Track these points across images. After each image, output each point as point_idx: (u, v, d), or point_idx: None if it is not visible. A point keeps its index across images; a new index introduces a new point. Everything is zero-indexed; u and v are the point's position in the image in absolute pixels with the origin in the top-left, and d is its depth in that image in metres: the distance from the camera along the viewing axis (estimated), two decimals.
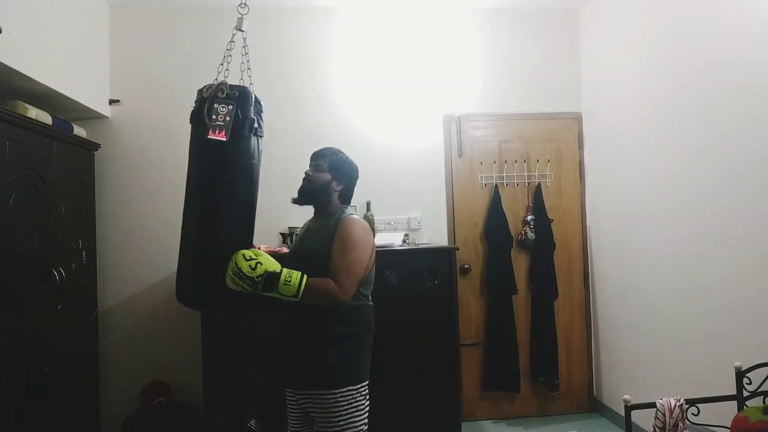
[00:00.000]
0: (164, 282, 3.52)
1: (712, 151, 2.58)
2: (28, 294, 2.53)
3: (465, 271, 3.72)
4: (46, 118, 2.78)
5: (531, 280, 3.75)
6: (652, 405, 2.00)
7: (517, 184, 3.79)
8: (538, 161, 3.79)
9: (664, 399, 1.98)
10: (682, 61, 2.78)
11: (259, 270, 1.72)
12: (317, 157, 2.03)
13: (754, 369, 2.09)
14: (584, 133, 3.87)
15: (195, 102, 1.87)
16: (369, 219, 3.55)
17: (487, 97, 3.82)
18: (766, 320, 2.27)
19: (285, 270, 1.76)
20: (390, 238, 3.36)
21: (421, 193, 3.73)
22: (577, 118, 3.88)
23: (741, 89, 2.39)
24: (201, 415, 3.17)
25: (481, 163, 3.76)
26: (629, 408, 2.03)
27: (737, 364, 2.12)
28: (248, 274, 1.71)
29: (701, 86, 2.64)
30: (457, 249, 3.37)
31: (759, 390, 2.06)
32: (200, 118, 1.79)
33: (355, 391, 1.90)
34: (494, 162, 3.77)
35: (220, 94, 1.80)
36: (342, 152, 2.07)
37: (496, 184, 3.74)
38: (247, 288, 1.73)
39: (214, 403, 2.98)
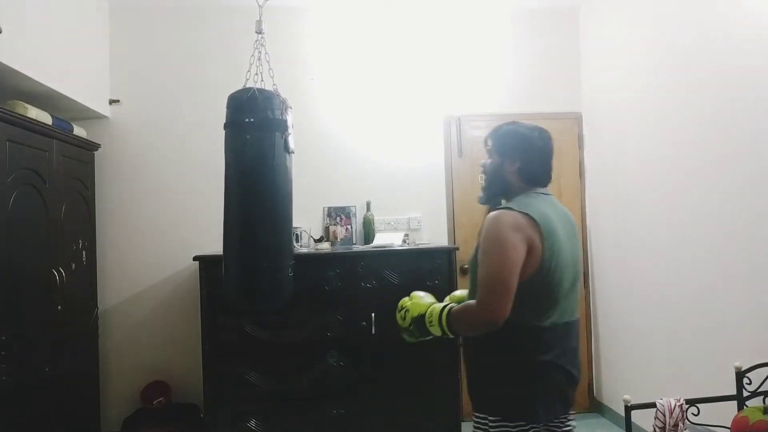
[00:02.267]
0: (164, 282, 3.52)
1: (712, 150, 2.57)
2: (28, 294, 2.53)
3: (465, 271, 3.72)
4: (46, 118, 2.78)
5: None
6: (652, 405, 2.00)
7: None
8: None
9: (664, 399, 1.98)
10: (682, 61, 2.78)
11: (408, 319, 1.66)
12: (487, 141, 1.76)
13: (754, 369, 2.09)
14: (584, 133, 3.87)
15: (245, 110, 1.91)
16: (369, 219, 3.55)
17: (487, 97, 3.82)
18: (766, 320, 2.27)
19: (429, 309, 1.61)
20: (390, 238, 3.37)
21: (421, 193, 3.73)
22: (577, 118, 3.88)
23: (741, 88, 2.39)
24: (201, 415, 3.17)
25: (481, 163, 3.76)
26: (629, 408, 2.03)
27: (737, 364, 2.12)
28: (402, 326, 1.69)
29: (701, 86, 2.64)
30: (457, 249, 3.37)
31: (759, 390, 2.06)
32: (272, 128, 1.85)
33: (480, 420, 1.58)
34: None
35: (288, 105, 1.92)
36: (512, 124, 1.73)
37: None
38: (412, 338, 1.70)
39: (214, 403, 2.98)
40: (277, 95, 1.98)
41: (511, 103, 3.82)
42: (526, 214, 1.52)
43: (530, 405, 1.52)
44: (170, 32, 3.61)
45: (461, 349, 1.69)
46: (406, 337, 1.72)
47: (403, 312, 1.69)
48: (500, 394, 1.56)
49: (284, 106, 1.95)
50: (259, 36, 2.12)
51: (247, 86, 2.03)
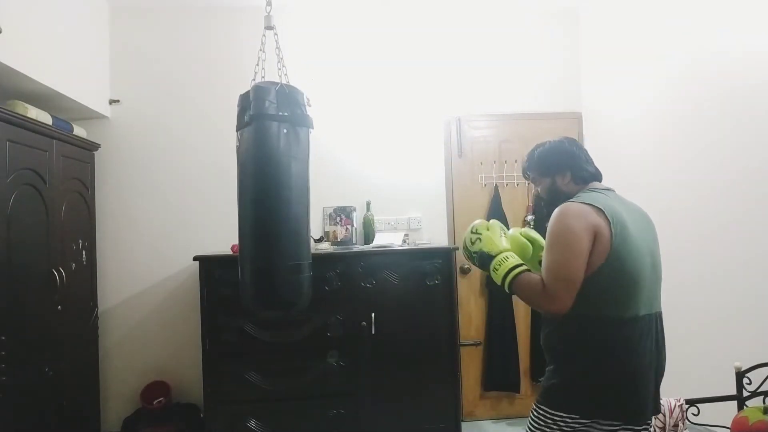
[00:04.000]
0: (164, 282, 3.52)
1: (712, 150, 2.58)
2: (28, 294, 2.53)
3: (465, 271, 3.72)
4: (46, 118, 2.78)
5: None
6: None
7: (517, 184, 3.78)
8: None
9: (664, 399, 1.98)
10: (682, 61, 2.78)
11: (476, 246, 1.62)
12: (525, 174, 1.80)
13: (754, 369, 2.09)
14: (584, 133, 3.87)
15: (285, 103, 1.87)
16: (369, 219, 3.55)
17: (487, 97, 3.82)
18: (766, 320, 2.27)
19: (502, 255, 1.57)
20: (390, 238, 3.37)
21: (421, 193, 3.73)
22: (577, 118, 3.88)
23: (741, 88, 2.39)
24: (201, 415, 3.17)
25: (481, 163, 3.76)
26: None
27: (737, 364, 2.12)
28: (468, 247, 1.65)
29: (701, 85, 2.64)
30: (457, 249, 3.37)
31: (759, 390, 2.06)
32: (300, 123, 1.82)
33: (551, 417, 1.52)
34: (494, 162, 3.77)
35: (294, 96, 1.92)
36: (539, 146, 1.77)
37: (496, 184, 3.74)
38: (469, 260, 1.66)
39: (214, 403, 2.98)
40: (281, 85, 1.96)
41: (511, 103, 3.82)
42: (590, 204, 1.52)
43: (601, 401, 1.48)
44: (170, 32, 3.60)
45: (542, 337, 1.63)
46: (465, 255, 1.68)
47: (475, 237, 1.63)
48: (576, 389, 1.51)
49: (308, 101, 1.93)
50: (268, 32, 2.10)
51: (257, 80, 2.01)
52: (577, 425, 1.49)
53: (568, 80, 3.88)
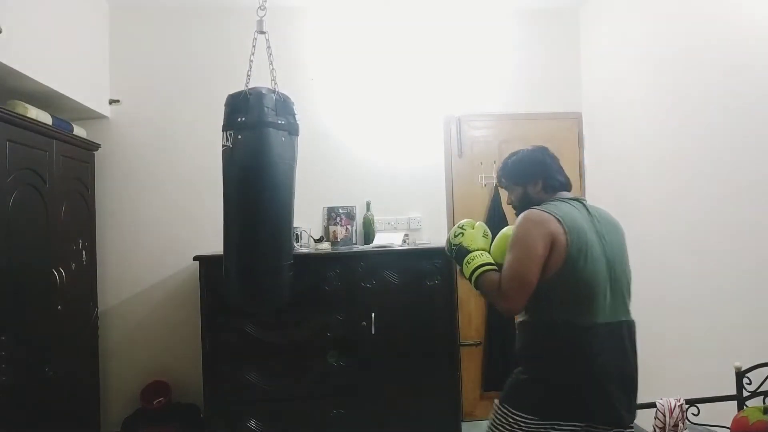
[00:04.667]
0: (164, 282, 3.52)
1: (713, 150, 2.58)
2: (28, 294, 2.53)
3: None
4: (46, 118, 2.78)
5: None
6: (652, 405, 2.00)
7: None
8: None
9: (664, 399, 1.98)
10: (682, 60, 2.78)
11: (458, 240, 1.75)
12: (500, 182, 1.91)
13: (754, 369, 2.09)
14: (584, 133, 3.87)
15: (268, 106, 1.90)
16: (369, 219, 3.55)
17: (487, 97, 3.82)
18: (766, 320, 2.27)
19: (477, 252, 1.70)
20: (390, 238, 3.36)
21: (421, 193, 3.73)
22: (577, 118, 3.88)
23: (742, 88, 2.39)
24: (201, 415, 3.17)
25: (481, 163, 3.76)
26: None
27: (737, 364, 2.12)
28: (450, 240, 1.78)
29: (701, 85, 2.64)
30: None
31: (759, 390, 2.06)
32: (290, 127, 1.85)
33: (512, 417, 1.58)
34: (494, 162, 3.77)
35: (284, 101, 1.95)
36: (513, 154, 1.85)
37: (496, 184, 3.74)
38: (448, 253, 1.79)
39: (214, 403, 2.98)
40: (272, 90, 1.97)
41: (511, 103, 3.82)
42: (550, 213, 1.60)
43: (560, 402, 1.55)
44: (170, 32, 3.61)
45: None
46: (447, 248, 1.82)
47: (459, 232, 1.77)
48: (536, 391, 1.58)
49: (280, 100, 1.95)
50: (258, 35, 2.11)
51: (247, 85, 2.02)
52: (536, 426, 1.55)
53: (568, 80, 3.88)
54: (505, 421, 1.61)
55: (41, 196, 2.68)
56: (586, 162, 3.85)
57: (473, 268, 1.68)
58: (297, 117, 1.97)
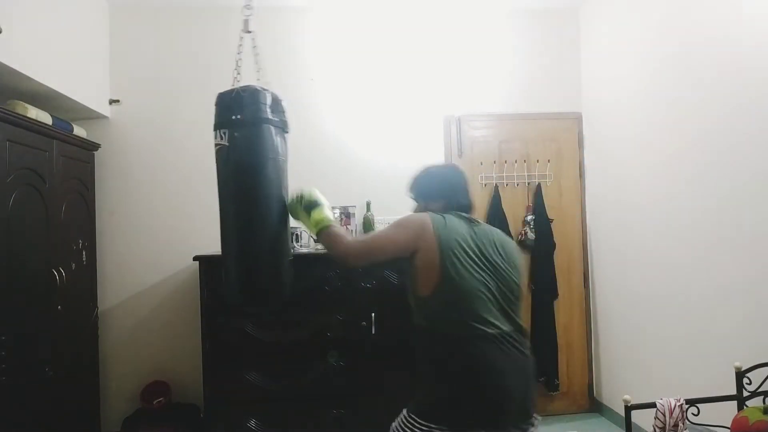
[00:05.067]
0: (164, 282, 3.52)
1: (713, 150, 2.58)
2: (28, 294, 2.53)
3: None
4: (46, 118, 2.78)
5: (531, 280, 3.74)
6: (652, 405, 2.00)
7: (517, 184, 3.78)
8: (538, 161, 3.79)
9: (664, 399, 1.98)
10: (683, 61, 2.78)
11: (312, 197, 1.83)
12: (408, 192, 1.98)
13: (754, 369, 2.09)
14: (584, 133, 3.87)
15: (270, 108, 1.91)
16: (369, 219, 3.55)
17: (487, 97, 3.82)
18: (766, 320, 2.27)
19: (326, 208, 1.80)
20: None
21: None
22: (577, 118, 3.88)
23: (742, 88, 2.39)
24: (201, 415, 3.17)
25: (481, 163, 3.76)
26: (629, 408, 2.03)
27: (737, 364, 2.12)
28: (302, 194, 1.84)
29: (701, 85, 2.64)
30: None
31: (759, 390, 2.06)
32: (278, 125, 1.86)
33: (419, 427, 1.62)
34: (494, 162, 3.77)
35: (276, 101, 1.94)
36: (427, 169, 1.95)
37: (496, 184, 3.74)
38: (295, 203, 1.84)
39: (214, 403, 2.98)
40: (263, 89, 1.97)
41: (511, 103, 3.82)
42: (431, 221, 1.69)
43: (458, 411, 1.59)
44: (170, 32, 3.61)
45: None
46: (294, 200, 1.87)
47: (310, 190, 1.87)
48: (437, 401, 1.64)
49: (272, 99, 1.95)
50: (245, 35, 2.11)
51: (235, 84, 2.02)
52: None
53: (568, 80, 3.88)
54: (411, 430, 1.64)
55: (41, 196, 2.68)
56: (586, 162, 3.85)
57: (322, 219, 1.77)
58: (286, 114, 1.98)
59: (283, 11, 3.64)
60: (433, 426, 1.59)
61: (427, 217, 1.71)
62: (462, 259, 1.63)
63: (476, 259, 1.65)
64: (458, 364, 1.60)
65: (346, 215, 3.61)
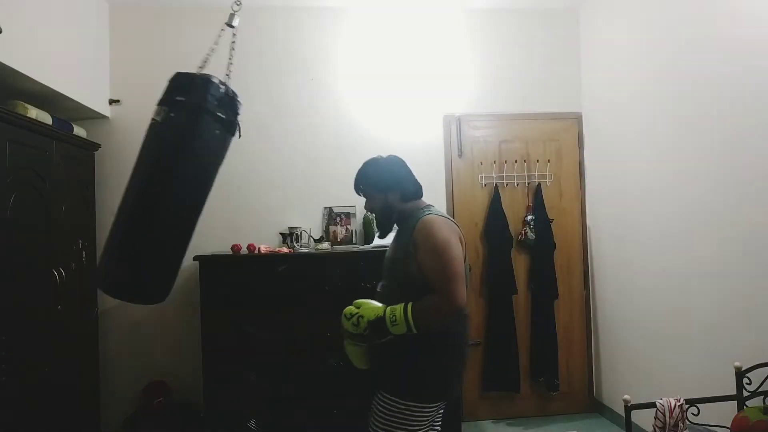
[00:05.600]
0: None
1: (713, 151, 2.58)
2: (28, 294, 2.53)
3: None
4: (46, 118, 2.78)
5: (531, 280, 3.75)
6: (652, 405, 2.00)
7: (517, 184, 3.78)
8: (538, 161, 3.79)
9: (664, 399, 1.98)
10: (683, 61, 2.78)
11: (362, 324, 1.70)
12: (357, 189, 1.93)
13: (754, 369, 2.09)
14: (584, 133, 3.87)
15: (203, 93, 1.83)
16: (369, 219, 3.55)
17: (487, 97, 3.82)
18: (766, 320, 2.27)
19: (388, 310, 1.67)
20: (390, 238, 3.35)
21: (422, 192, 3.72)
22: (577, 118, 3.88)
23: (742, 90, 2.39)
24: (201, 415, 3.17)
25: (481, 163, 3.76)
26: (629, 408, 2.03)
27: (737, 364, 2.12)
28: (354, 332, 1.72)
29: (702, 86, 2.64)
30: None
31: (759, 390, 2.06)
32: (221, 114, 1.79)
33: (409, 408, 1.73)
34: (494, 162, 3.77)
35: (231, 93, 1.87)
36: (369, 163, 1.91)
37: (496, 184, 3.74)
38: (361, 342, 1.75)
39: (214, 403, 2.98)
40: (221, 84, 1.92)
41: (511, 103, 3.82)
42: (447, 218, 1.82)
43: (442, 386, 1.76)
44: (170, 32, 3.60)
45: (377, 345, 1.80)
46: (351, 346, 1.78)
47: (355, 318, 1.72)
48: (426, 376, 1.73)
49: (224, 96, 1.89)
50: (228, 29, 2.08)
51: (201, 70, 1.99)
52: (430, 411, 1.74)
53: (568, 80, 3.88)
54: (402, 415, 1.72)
55: (41, 196, 2.68)
56: (586, 162, 3.85)
57: (401, 314, 1.64)
58: (239, 119, 1.91)
59: (283, 11, 3.64)
60: (433, 406, 1.75)
61: (446, 220, 1.80)
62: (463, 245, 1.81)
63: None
64: (463, 339, 1.81)
65: (346, 215, 3.61)
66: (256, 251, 3.17)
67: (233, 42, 2.06)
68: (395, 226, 1.93)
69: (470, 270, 3.68)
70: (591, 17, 3.74)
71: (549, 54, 3.87)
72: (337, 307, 3.03)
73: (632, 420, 2.06)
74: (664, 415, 1.94)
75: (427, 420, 1.75)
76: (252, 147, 3.45)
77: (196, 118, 1.78)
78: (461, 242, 1.79)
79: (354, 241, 3.59)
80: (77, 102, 3.08)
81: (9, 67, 2.40)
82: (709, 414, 2.03)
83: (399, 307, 1.66)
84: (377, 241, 3.39)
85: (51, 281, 2.73)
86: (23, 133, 2.53)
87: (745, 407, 2.06)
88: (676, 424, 1.93)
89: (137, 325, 3.50)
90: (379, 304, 1.75)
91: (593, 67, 3.74)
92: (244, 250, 3.22)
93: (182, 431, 3.19)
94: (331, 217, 3.62)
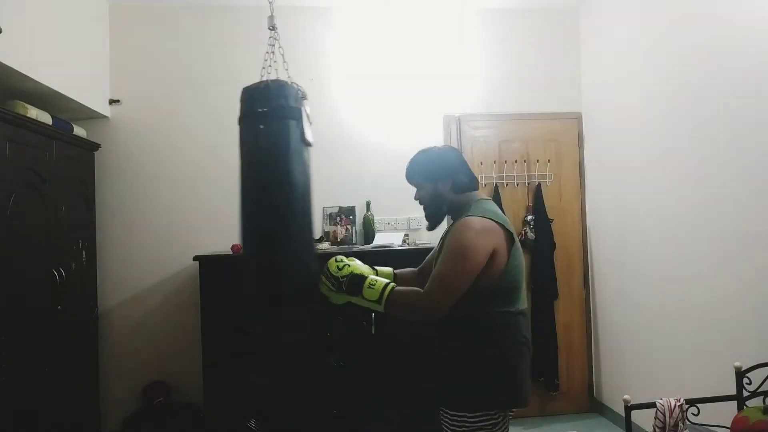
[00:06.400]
0: (164, 282, 3.52)
1: (712, 150, 2.58)
2: (28, 294, 2.53)
3: None
4: (46, 118, 2.78)
5: (531, 280, 3.75)
6: (652, 405, 2.00)
7: (517, 184, 3.78)
8: (538, 161, 3.79)
9: (664, 399, 1.98)
10: (683, 61, 2.78)
11: (345, 271, 1.68)
12: (409, 178, 1.86)
13: (754, 369, 2.09)
14: (584, 133, 3.87)
15: (260, 103, 1.84)
16: (369, 219, 3.55)
17: (487, 97, 3.82)
18: (766, 320, 2.27)
19: (374, 277, 1.66)
20: (390, 238, 3.36)
21: None
22: (577, 118, 3.88)
23: (742, 89, 2.39)
24: (201, 415, 3.17)
25: (481, 163, 3.76)
26: (629, 408, 2.03)
27: (737, 364, 2.12)
28: (334, 273, 1.69)
29: (701, 86, 2.64)
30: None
31: (759, 390, 2.06)
32: (290, 115, 1.81)
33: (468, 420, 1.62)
34: (494, 162, 3.77)
35: (303, 98, 1.87)
36: (424, 151, 1.83)
37: (496, 184, 3.74)
38: (333, 287, 1.69)
39: (214, 403, 2.98)
40: (292, 84, 1.96)
41: (511, 103, 3.82)
42: (493, 220, 1.64)
43: (513, 391, 1.65)
44: (170, 32, 3.60)
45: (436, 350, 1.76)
46: (326, 285, 1.71)
47: (342, 265, 1.69)
48: (494, 385, 1.62)
49: (300, 95, 1.92)
50: (273, 32, 2.09)
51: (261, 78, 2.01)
52: (492, 420, 1.61)
53: (568, 80, 3.88)
54: (464, 428, 1.61)
55: (41, 196, 2.68)
56: (586, 162, 3.85)
57: (381, 288, 1.61)
58: (294, 99, 1.95)
59: (281, 10, 3.62)
60: (491, 414, 1.61)
61: (485, 222, 1.63)
62: (516, 245, 1.67)
63: (519, 244, 1.70)
64: (510, 340, 1.64)
65: (346, 215, 3.61)
66: None
67: (277, 43, 2.06)
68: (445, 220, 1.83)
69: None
70: (591, 17, 3.74)
71: (549, 54, 3.87)
72: (337, 307, 3.04)
73: (632, 420, 2.06)
74: (664, 415, 1.94)
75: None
76: None
77: (285, 123, 1.81)
78: (504, 245, 1.62)
79: (354, 241, 3.59)
80: (77, 102, 3.09)
81: (9, 67, 2.40)
82: (709, 414, 2.03)
83: (383, 281, 1.64)
84: (377, 241, 3.39)
85: (51, 281, 2.73)
86: (23, 133, 2.53)
87: (745, 407, 2.06)
88: (676, 424, 1.93)
89: (137, 325, 3.50)
90: (370, 269, 1.74)
91: (593, 67, 3.74)
92: None
93: (182, 431, 3.19)
94: (331, 217, 3.62)
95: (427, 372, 3.09)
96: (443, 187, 1.76)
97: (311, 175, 1.92)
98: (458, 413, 1.62)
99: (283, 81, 1.90)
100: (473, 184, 1.79)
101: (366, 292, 1.63)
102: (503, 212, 1.77)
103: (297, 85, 1.90)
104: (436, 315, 1.58)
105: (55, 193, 2.80)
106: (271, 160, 1.78)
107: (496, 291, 1.62)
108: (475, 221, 1.62)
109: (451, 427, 1.64)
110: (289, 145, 1.79)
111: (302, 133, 1.86)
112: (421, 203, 1.84)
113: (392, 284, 1.64)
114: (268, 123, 1.81)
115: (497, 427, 1.63)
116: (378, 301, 1.61)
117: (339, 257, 1.74)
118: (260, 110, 1.81)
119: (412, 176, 1.84)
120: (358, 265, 1.71)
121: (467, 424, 1.60)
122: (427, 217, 1.82)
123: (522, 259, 1.69)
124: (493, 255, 1.59)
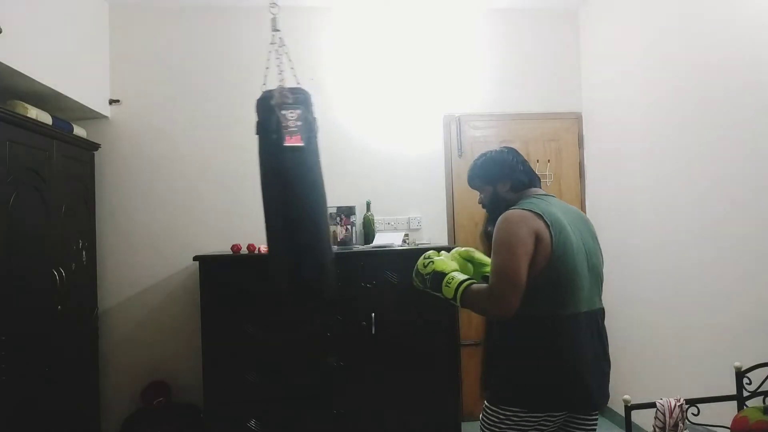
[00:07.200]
0: (164, 282, 3.52)
1: (713, 150, 2.58)
2: (28, 294, 2.53)
3: None
4: (46, 118, 2.78)
5: None
6: (652, 405, 2.00)
7: None
8: (538, 161, 3.79)
9: (664, 399, 1.98)
10: (682, 61, 2.78)
11: (429, 269, 1.74)
12: (471, 184, 1.90)
13: (754, 369, 2.09)
14: (584, 133, 3.87)
15: (257, 112, 1.95)
16: (369, 219, 3.55)
17: (487, 97, 3.82)
18: (766, 320, 2.27)
19: (453, 274, 1.69)
20: (390, 238, 3.37)
21: (421, 193, 3.73)
22: (577, 118, 3.88)
23: (741, 88, 2.39)
24: (201, 415, 3.17)
25: None
26: (629, 408, 2.03)
27: (737, 364, 2.12)
28: (420, 271, 1.77)
29: (701, 86, 2.64)
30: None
31: (759, 390, 2.06)
32: (271, 127, 1.90)
33: (503, 414, 1.64)
34: None
35: (286, 101, 1.92)
36: (483, 155, 1.87)
37: None
38: (420, 284, 1.78)
39: (214, 403, 2.98)
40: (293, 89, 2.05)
41: (511, 103, 3.82)
42: (529, 210, 1.63)
43: (550, 394, 1.59)
44: (170, 32, 3.60)
45: (483, 344, 1.80)
46: (417, 282, 1.82)
47: (427, 262, 1.77)
48: (524, 384, 1.62)
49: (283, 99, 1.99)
50: (274, 34, 2.14)
51: (265, 86, 2.08)
52: (529, 418, 1.60)
53: (568, 80, 3.88)
54: (497, 420, 1.67)
55: (41, 196, 2.68)
56: (586, 162, 3.85)
57: (456, 285, 1.66)
58: (302, 114, 2.09)
59: (283, 10, 3.62)
60: (514, 409, 1.62)
61: (522, 212, 1.62)
62: (567, 239, 1.60)
63: (573, 237, 1.63)
64: (558, 345, 1.59)
65: (346, 215, 3.61)
66: (256, 251, 3.17)
67: (280, 46, 2.12)
68: None
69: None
70: (591, 17, 3.74)
71: (549, 54, 3.87)
72: (337, 307, 3.05)
73: (632, 420, 2.06)
74: (664, 415, 1.94)
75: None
76: (252, 147, 3.44)
77: (314, 130, 2.04)
78: (546, 231, 1.57)
79: (354, 241, 3.59)
80: (77, 102, 3.08)
81: (9, 67, 2.40)
82: (709, 414, 2.03)
83: (460, 279, 1.67)
84: (377, 241, 3.39)
85: (51, 281, 2.73)
86: (23, 133, 2.53)
87: (745, 407, 2.06)
88: (676, 424, 1.93)
89: (137, 325, 3.50)
90: (454, 266, 1.76)
91: (593, 67, 3.74)
92: (244, 250, 3.22)
93: (182, 431, 3.19)
94: (331, 217, 3.62)
95: (426, 372, 3.09)
96: (502, 187, 1.80)
97: (309, 175, 2.02)
98: (487, 406, 1.72)
99: (299, 92, 2.02)
100: (533, 181, 1.82)
101: (444, 290, 1.69)
102: (558, 207, 1.71)
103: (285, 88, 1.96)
104: (507, 309, 1.54)
105: (55, 193, 2.80)
106: (297, 175, 2.05)
107: (536, 291, 1.56)
108: (512, 213, 1.63)
109: (485, 419, 1.74)
110: (317, 152, 2.07)
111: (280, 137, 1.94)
112: (483, 206, 1.88)
113: (469, 281, 1.66)
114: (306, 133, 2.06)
115: (528, 426, 1.62)
116: (454, 299, 1.66)
117: (428, 253, 1.81)
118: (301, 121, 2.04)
119: (473, 182, 1.89)
120: (441, 261, 1.75)
121: (492, 417, 1.70)
122: (490, 220, 1.82)
123: (572, 251, 1.60)
124: (537, 240, 1.56)
